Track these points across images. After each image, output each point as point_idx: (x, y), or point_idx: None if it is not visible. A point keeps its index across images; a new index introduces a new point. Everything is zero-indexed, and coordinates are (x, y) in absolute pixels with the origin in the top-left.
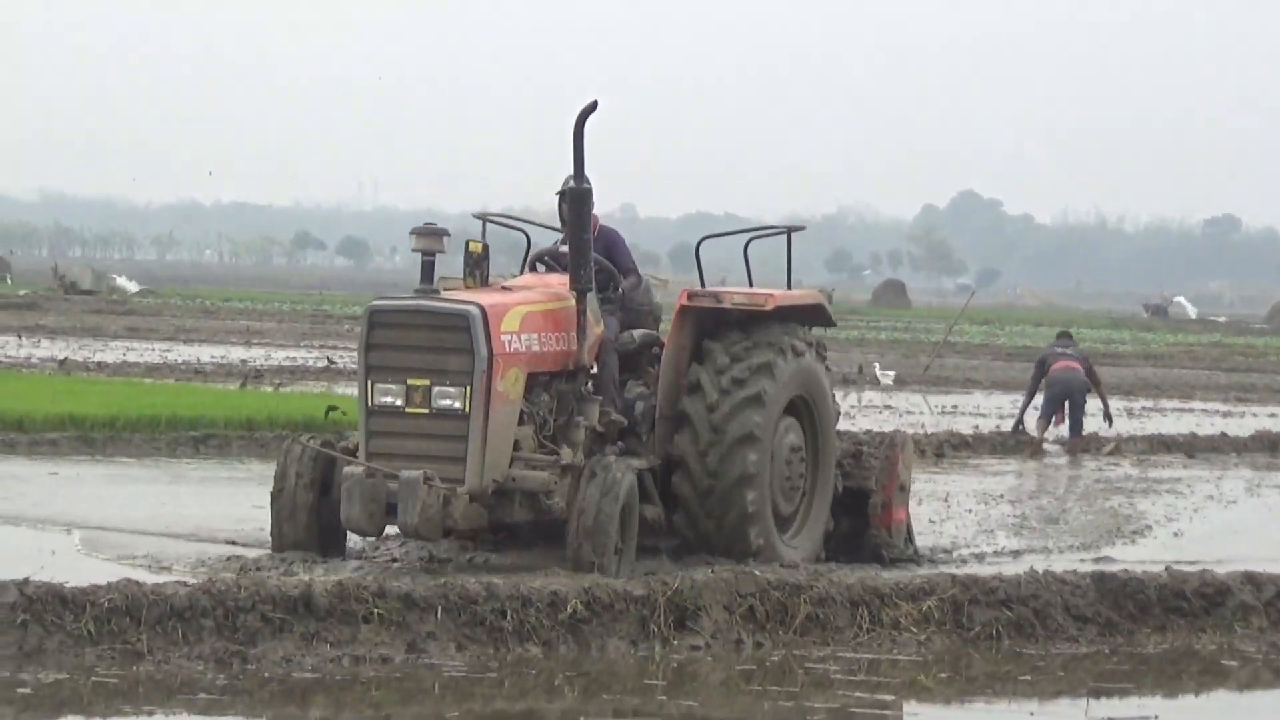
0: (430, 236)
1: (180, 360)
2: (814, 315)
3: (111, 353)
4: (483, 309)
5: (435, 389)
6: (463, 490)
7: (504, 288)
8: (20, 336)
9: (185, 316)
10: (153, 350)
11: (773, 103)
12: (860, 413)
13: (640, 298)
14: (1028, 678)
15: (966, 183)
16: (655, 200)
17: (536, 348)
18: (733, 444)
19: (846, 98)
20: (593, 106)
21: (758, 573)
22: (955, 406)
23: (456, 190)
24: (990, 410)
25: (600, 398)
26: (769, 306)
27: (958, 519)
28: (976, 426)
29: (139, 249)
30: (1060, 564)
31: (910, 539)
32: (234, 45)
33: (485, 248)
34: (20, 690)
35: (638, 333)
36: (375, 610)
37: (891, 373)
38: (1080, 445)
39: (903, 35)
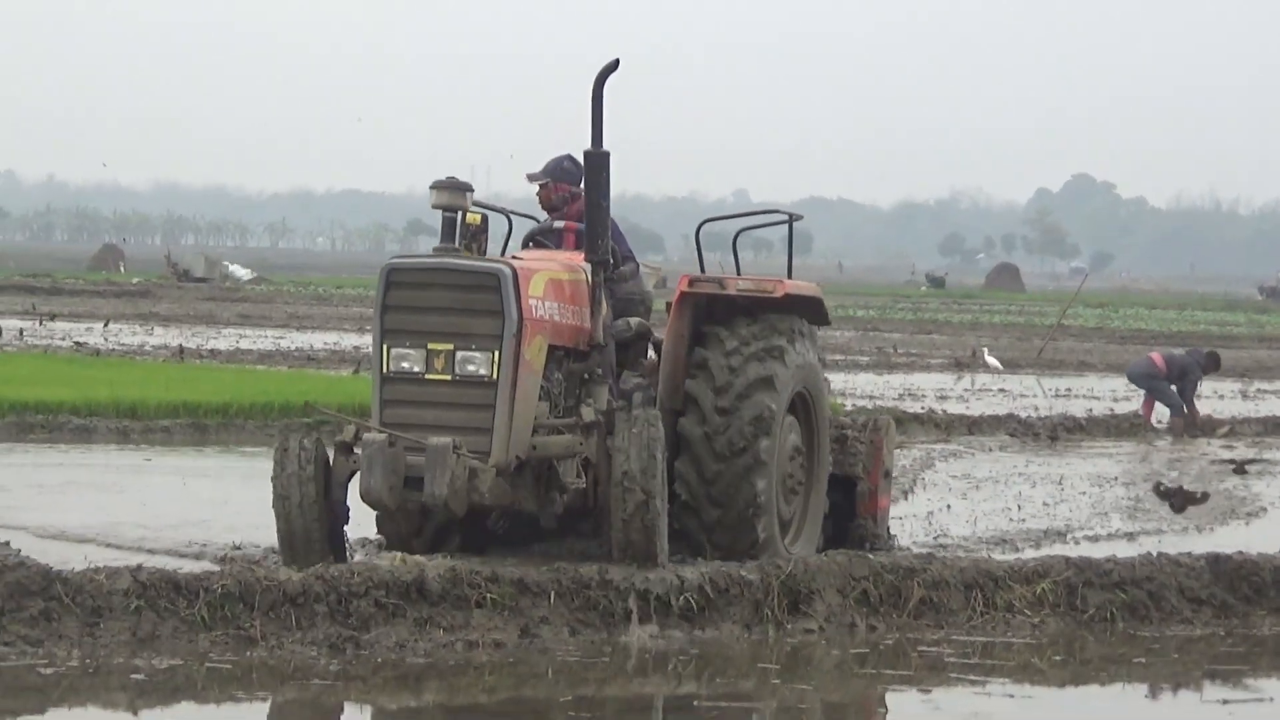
0: (453, 191)
1: (293, 347)
2: (813, 310)
3: (225, 340)
4: (513, 269)
5: (460, 354)
6: (490, 463)
7: (514, 257)
8: (106, 324)
9: (298, 304)
10: (265, 337)
11: (885, 85)
12: (975, 396)
13: (632, 285)
14: (1142, 660)
15: (1080, 166)
16: (768, 185)
17: (557, 318)
18: (743, 427)
19: (960, 80)
20: (614, 65)
21: (871, 556)
22: (1069, 389)
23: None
24: (1104, 394)
25: (608, 381)
26: (778, 294)
27: (1071, 501)
28: (1090, 409)
29: (252, 236)
30: (1175, 546)
31: (888, 528)
32: (346, 34)
33: (484, 219)
34: (134, 676)
35: (633, 320)
36: (488, 595)
37: (995, 360)
38: (1180, 425)
39: (1017, 17)
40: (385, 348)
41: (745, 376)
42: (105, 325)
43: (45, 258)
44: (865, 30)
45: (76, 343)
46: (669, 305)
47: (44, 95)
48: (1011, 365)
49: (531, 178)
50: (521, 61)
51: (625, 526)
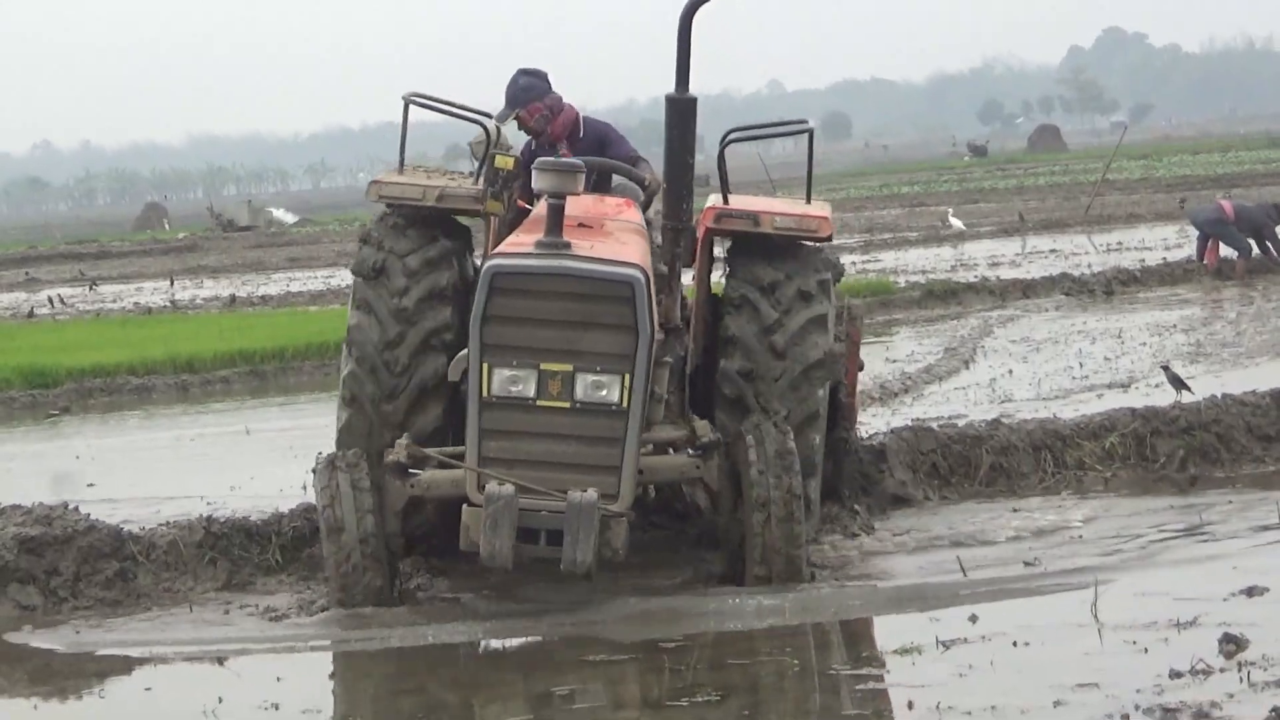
0: (561, 175)
1: (343, 285)
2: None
3: (275, 285)
4: (644, 271)
5: (580, 376)
6: (618, 508)
7: (576, 220)
8: (171, 281)
9: (344, 241)
10: (315, 278)
11: None
12: (1027, 260)
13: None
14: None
15: (1110, 19)
16: (801, 74)
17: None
18: (803, 375)
19: None
20: None
21: (935, 427)
22: (1120, 243)
23: (613, 84)
24: (1155, 244)
25: (670, 361)
26: (824, 233)
27: (1133, 353)
28: (1143, 260)
29: (293, 180)
30: (1239, 385)
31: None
32: None
33: (518, 163)
34: (222, 628)
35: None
36: None
37: (958, 222)
38: (1242, 268)
39: None
40: (486, 367)
41: (797, 318)
42: (171, 283)
43: (90, 224)
44: None
45: (172, 300)
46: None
47: (72, 62)
48: (1060, 224)
49: (501, 118)
50: None
51: (769, 553)
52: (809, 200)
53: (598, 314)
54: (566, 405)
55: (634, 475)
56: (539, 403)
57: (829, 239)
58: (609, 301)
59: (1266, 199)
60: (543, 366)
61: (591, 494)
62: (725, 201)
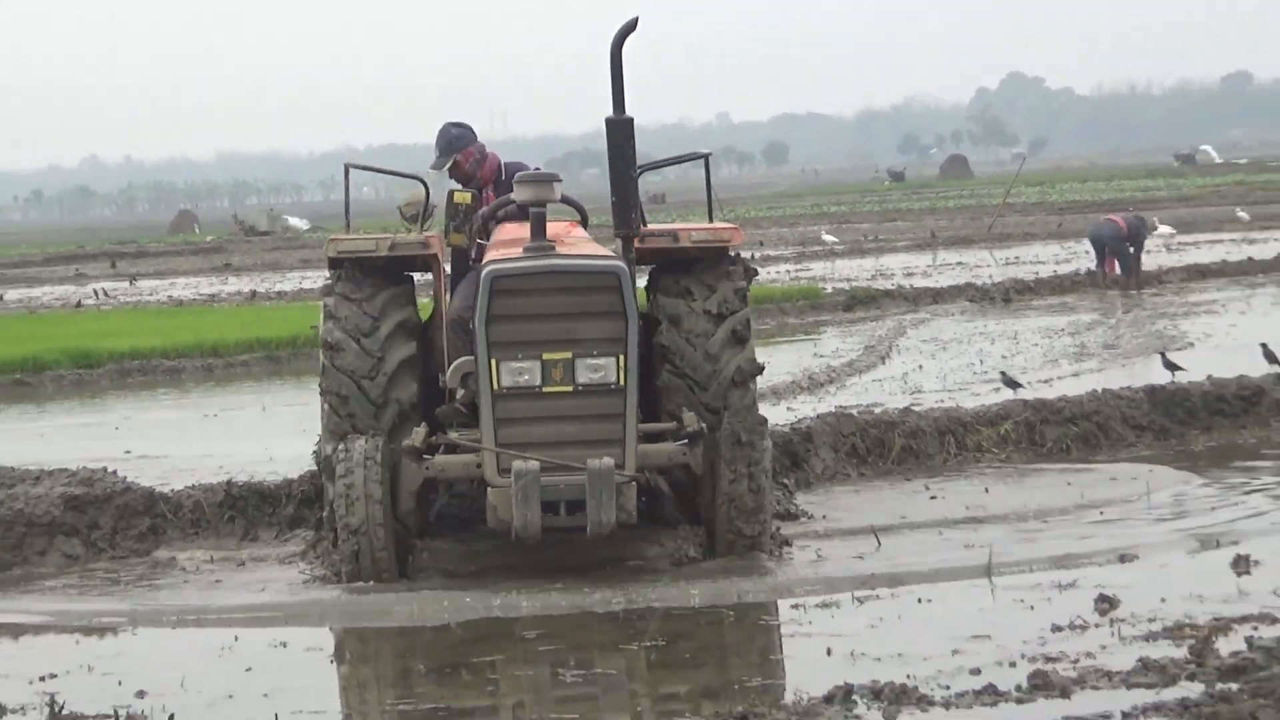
0: (539, 185)
1: None
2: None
3: (289, 282)
4: (623, 264)
5: (579, 361)
6: (627, 475)
7: (550, 241)
8: (201, 278)
9: None
10: (324, 277)
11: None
12: (938, 271)
13: None
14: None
15: (1013, 64)
16: (746, 106)
17: None
18: (729, 385)
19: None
20: (632, 25)
21: (855, 413)
22: (1017, 257)
23: (591, 112)
24: (1048, 258)
25: None
26: (736, 241)
27: (1026, 353)
28: (1037, 273)
29: (306, 192)
30: (1116, 382)
31: None
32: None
33: (475, 197)
34: (239, 578)
35: None
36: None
37: (830, 236)
38: (1127, 283)
39: None
40: (494, 362)
41: (721, 334)
42: (201, 280)
43: (130, 228)
44: None
45: (205, 294)
46: None
47: (117, 86)
48: (966, 241)
49: (438, 165)
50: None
51: (736, 525)
52: (710, 220)
53: (590, 304)
54: (569, 389)
55: (635, 445)
56: (544, 389)
57: (736, 249)
58: (600, 291)
59: (1141, 213)
60: (545, 356)
61: (608, 460)
62: (645, 225)
